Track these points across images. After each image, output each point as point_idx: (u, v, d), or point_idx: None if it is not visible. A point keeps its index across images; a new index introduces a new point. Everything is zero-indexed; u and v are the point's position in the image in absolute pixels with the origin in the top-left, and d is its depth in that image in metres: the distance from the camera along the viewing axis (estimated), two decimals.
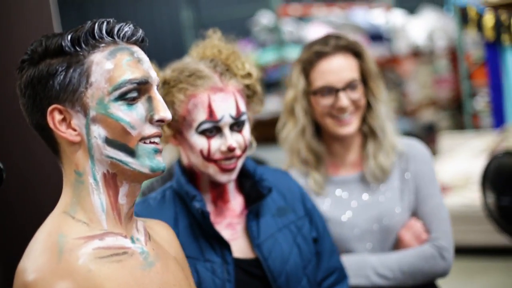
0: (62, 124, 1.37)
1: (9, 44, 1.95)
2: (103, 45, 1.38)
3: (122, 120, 1.36)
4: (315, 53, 2.22)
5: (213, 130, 1.80)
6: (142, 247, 1.44)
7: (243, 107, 1.84)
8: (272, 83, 7.53)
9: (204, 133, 1.80)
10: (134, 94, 1.38)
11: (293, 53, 7.34)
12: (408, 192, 2.25)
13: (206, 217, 1.80)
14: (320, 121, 2.26)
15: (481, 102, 7.37)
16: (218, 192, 1.90)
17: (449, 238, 2.19)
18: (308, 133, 2.28)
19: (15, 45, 1.96)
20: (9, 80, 1.91)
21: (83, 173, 1.39)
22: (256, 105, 1.95)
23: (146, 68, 1.41)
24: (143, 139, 1.39)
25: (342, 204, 2.26)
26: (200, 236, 1.83)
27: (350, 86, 2.20)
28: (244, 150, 1.85)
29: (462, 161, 6.12)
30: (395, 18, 9.42)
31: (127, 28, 1.41)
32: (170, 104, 1.79)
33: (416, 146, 2.31)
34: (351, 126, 2.22)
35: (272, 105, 7.23)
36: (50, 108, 1.36)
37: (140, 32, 1.43)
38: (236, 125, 1.83)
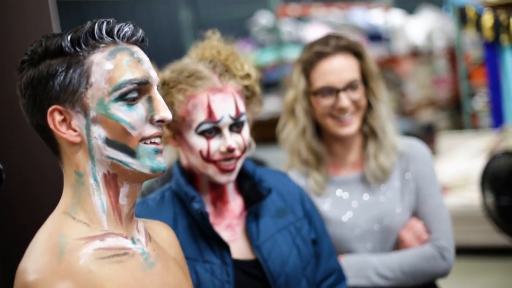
0: (62, 125, 1.37)
1: (8, 45, 1.95)
2: (103, 45, 1.38)
3: (122, 120, 1.36)
4: (316, 54, 2.22)
5: (213, 130, 1.80)
6: (143, 247, 1.44)
7: (242, 108, 1.84)
8: (271, 84, 7.53)
9: (203, 133, 1.80)
10: (134, 95, 1.37)
11: (292, 54, 7.34)
12: (408, 192, 2.25)
13: (205, 218, 1.80)
14: (320, 121, 2.26)
15: (480, 102, 7.37)
16: (218, 193, 1.90)
17: (450, 238, 2.19)
18: (309, 134, 2.27)
19: (14, 46, 1.95)
20: (8, 80, 1.91)
21: (84, 174, 1.39)
22: (255, 106, 1.95)
23: (146, 68, 1.41)
24: (143, 139, 1.38)
25: (343, 204, 2.26)
26: (199, 237, 1.83)
27: (350, 86, 2.20)
28: (244, 150, 1.85)
29: (461, 161, 6.13)
30: (394, 18, 9.43)
31: (127, 28, 1.40)
32: (169, 105, 1.79)
33: (417, 146, 2.31)
34: (351, 126, 2.21)
35: (271, 105, 7.23)
36: (50, 109, 1.36)
37: (140, 32, 1.43)
38: (236, 126, 1.83)
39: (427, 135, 8.47)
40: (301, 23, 8.30)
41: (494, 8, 5.50)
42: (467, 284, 4.90)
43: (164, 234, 1.61)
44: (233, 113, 1.81)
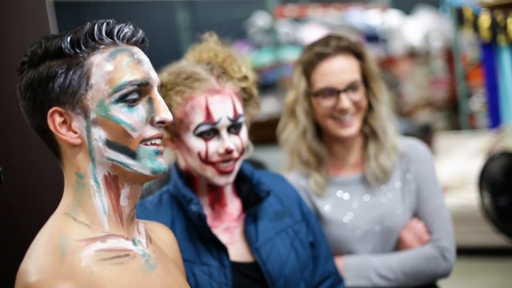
0: (63, 127, 1.37)
1: (6, 46, 1.95)
2: (103, 46, 1.37)
3: (122, 122, 1.36)
4: (316, 54, 2.22)
5: (211, 132, 1.80)
6: (144, 249, 1.44)
7: (240, 110, 1.84)
8: (268, 85, 7.53)
9: (201, 135, 1.80)
10: (135, 96, 1.37)
11: (289, 55, 7.34)
12: (409, 193, 2.25)
13: (203, 220, 1.80)
14: (321, 122, 2.25)
15: (477, 103, 7.39)
16: (216, 195, 1.90)
17: (451, 239, 2.19)
18: (309, 135, 2.27)
19: (12, 47, 1.95)
20: (7, 82, 1.90)
21: (84, 175, 1.39)
22: (253, 108, 1.95)
23: (146, 69, 1.40)
24: (144, 141, 1.38)
25: (343, 205, 2.26)
26: (197, 240, 1.83)
27: (351, 87, 2.19)
28: (242, 152, 1.85)
29: (458, 162, 6.13)
30: (391, 19, 9.44)
31: (127, 29, 1.40)
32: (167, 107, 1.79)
33: (417, 147, 2.31)
34: (352, 127, 2.21)
35: (268, 106, 7.24)
36: (50, 111, 1.36)
37: (140, 33, 1.43)
38: (234, 127, 1.83)
39: (425, 135, 8.47)
40: (298, 24, 8.30)
41: (491, 8, 5.51)
42: (465, 285, 4.90)
43: (164, 236, 1.61)
44: (231, 115, 1.81)
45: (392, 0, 9.42)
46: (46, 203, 1.80)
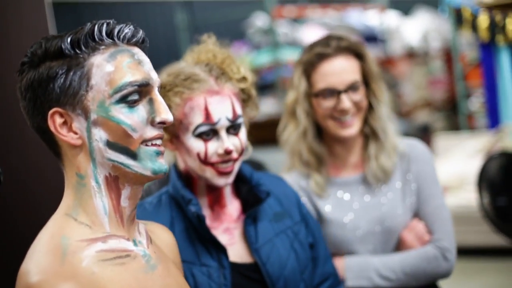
0: (63, 128, 1.37)
1: (5, 47, 1.95)
2: (103, 47, 1.37)
3: (123, 123, 1.35)
4: (317, 55, 2.21)
5: (210, 133, 1.80)
6: (144, 249, 1.44)
7: (239, 110, 1.84)
8: (267, 85, 7.53)
9: (201, 136, 1.80)
10: (136, 97, 1.37)
11: (288, 55, 7.34)
12: (410, 193, 2.25)
13: (202, 221, 1.80)
14: (321, 123, 2.25)
15: (476, 103, 7.39)
16: (215, 196, 1.90)
17: (451, 239, 2.19)
18: (310, 135, 2.27)
19: (11, 48, 1.95)
20: (6, 82, 1.90)
21: (85, 176, 1.38)
22: (251, 109, 1.95)
23: (146, 69, 1.40)
24: (144, 141, 1.38)
25: (344, 205, 2.25)
26: (196, 240, 1.83)
27: (352, 88, 2.19)
28: (241, 153, 1.85)
29: (457, 162, 6.13)
30: (390, 19, 9.44)
31: (127, 30, 1.40)
32: None
33: (418, 147, 2.31)
34: (353, 128, 2.21)
35: (267, 107, 7.24)
36: (50, 112, 1.36)
37: (140, 33, 1.42)
38: (233, 128, 1.83)
39: (423, 136, 8.47)
40: (297, 25, 8.30)
41: (490, 8, 5.51)
42: (464, 285, 4.90)
43: (164, 237, 1.61)
44: (230, 115, 1.81)
45: (390, 0, 9.42)
46: (46, 204, 1.80)
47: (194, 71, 1.84)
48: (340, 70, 2.19)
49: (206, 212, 1.89)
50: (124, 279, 1.33)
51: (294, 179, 2.28)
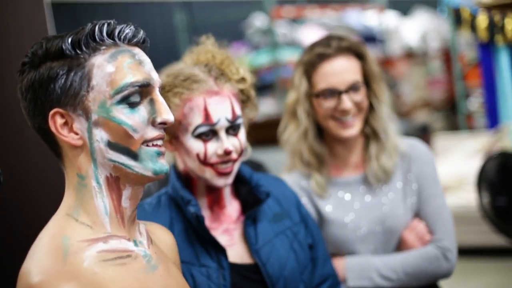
0: (64, 128, 1.37)
1: (4, 47, 1.95)
2: (104, 47, 1.37)
3: (124, 123, 1.35)
4: (317, 55, 2.21)
5: (209, 133, 1.80)
6: (145, 250, 1.44)
7: (238, 111, 1.84)
8: (266, 86, 7.53)
9: (200, 136, 1.80)
10: (137, 99, 1.37)
11: (287, 55, 7.34)
12: (410, 193, 2.25)
13: (201, 222, 1.80)
14: (322, 123, 2.25)
15: (475, 103, 7.40)
16: (214, 197, 1.90)
17: (452, 239, 2.19)
18: (311, 135, 2.26)
19: (10, 48, 1.95)
20: (5, 83, 1.90)
21: (86, 177, 1.38)
22: (250, 110, 1.95)
23: (147, 70, 1.40)
24: (145, 142, 1.38)
25: (345, 206, 2.25)
26: (195, 241, 1.83)
27: (353, 88, 2.19)
28: (240, 153, 1.85)
29: (456, 162, 6.13)
30: (388, 19, 9.44)
31: (128, 30, 1.40)
32: None
33: (419, 147, 2.31)
34: (354, 128, 2.21)
35: (266, 107, 7.24)
36: (51, 112, 1.36)
37: (141, 33, 1.42)
38: (232, 129, 1.83)
39: (422, 136, 8.47)
40: (296, 25, 8.30)
41: (489, 9, 5.51)
42: (463, 285, 4.90)
43: (164, 238, 1.61)
44: (229, 116, 1.81)
45: (389, 0, 9.42)
46: (45, 204, 1.80)
47: (193, 72, 1.84)
48: (341, 71, 2.19)
49: (205, 213, 1.89)
50: (125, 279, 1.33)
51: (294, 179, 2.28)
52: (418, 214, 2.24)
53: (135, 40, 1.41)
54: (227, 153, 1.80)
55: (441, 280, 2.22)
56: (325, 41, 2.24)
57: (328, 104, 2.20)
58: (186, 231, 1.83)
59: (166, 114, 1.39)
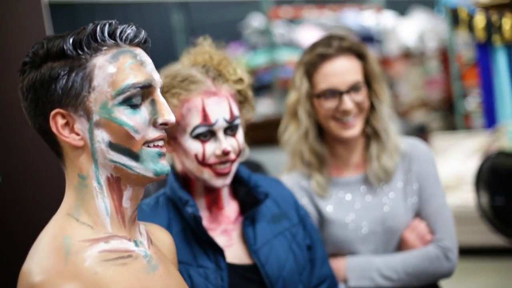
0: (65, 129, 1.36)
1: (2, 47, 1.95)
2: (105, 48, 1.37)
3: (125, 124, 1.35)
4: (318, 56, 2.21)
5: (208, 134, 1.80)
6: (145, 250, 1.44)
7: (236, 111, 1.84)
8: (263, 86, 7.53)
9: (198, 137, 1.80)
10: (138, 100, 1.37)
11: (285, 56, 7.34)
12: (411, 193, 2.25)
13: (198, 222, 1.80)
14: (323, 123, 2.24)
15: (473, 103, 7.41)
16: (213, 198, 1.90)
17: (453, 239, 2.19)
18: (311, 136, 2.26)
19: (9, 48, 1.95)
20: (4, 83, 1.90)
21: (87, 177, 1.38)
22: (248, 111, 1.95)
23: (149, 70, 1.40)
24: (146, 143, 1.38)
25: (346, 206, 2.25)
26: (193, 242, 1.83)
27: (354, 88, 2.19)
28: (238, 154, 1.85)
29: (454, 162, 6.14)
30: (386, 19, 9.44)
31: (130, 30, 1.39)
32: None
33: (419, 146, 2.31)
34: (355, 128, 2.20)
35: (263, 108, 7.24)
36: (52, 113, 1.35)
37: (143, 34, 1.42)
38: (230, 129, 1.83)
39: (420, 136, 8.48)
40: (293, 25, 8.30)
41: (486, 9, 5.51)
42: (461, 285, 4.90)
43: (163, 238, 1.61)
44: (227, 116, 1.81)
45: (386, 0, 9.42)
46: (45, 204, 1.80)
47: (191, 73, 1.84)
48: (342, 71, 2.19)
49: (204, 214, 1.88)
50: (126, 279, 1.33)
51: (295, 179, 2.28)
52: (419, 214, 2.24)
53: (136, 40, 1.41)
54: (226, 153, 1.80)
55: (442, 280, 2.22)
56: (326, 41, 2.24)
57: (329, 104, 2.19)
58: (184, 231, 1.83)
59: (168, 115, 1.39)
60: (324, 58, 2.20)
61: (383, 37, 9.09)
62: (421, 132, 8.73)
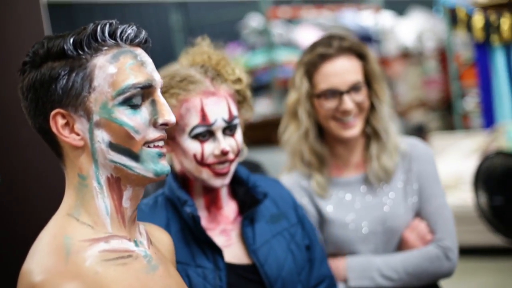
0: (65, 129, 1.36)
1: (1, 48, 1.95)
2: (105, 48, 1.37)
3: (126, 124, 1.35)
4: (319, 56, 2.20)
5: (206, 134, 1.80)
6: (145, 250, 1.44)
7: (235, 111, 1.84)
8: (262, 86, 7.52)
9: (197, 137, 1.80)
10: (138, 100, 1.37)
11: (283, 56, 7.34)
12: (411, 193, 2.25)
13: (197, 222, 1.80)
14: (323, 123, 2.24)
15: (471, 103, 7.41)
16: (211, 198, 1.90)
17: (454, 238, 2.19)
18: (312, 136, 2.26)
19: (8, 48, 1.95)
20: (3, 83, 1.90)
21: (87, 177, 1.38)
22: (246, 111, 1.95)
23: (149, 71, 1.40)
24: (147, 143, 1.38)
25: (346, 205, 2.25)
26: (191, 241, 1.83)
27: (354, 88, 2.19)
28: (237, 154, 1.85)
29: (452, 162, 6.14)
30: (384, 19, 9.44)
31: (130, 30, 1.39)
32: None
33: (419, 146, 2.31)
34: (355, 128, 2.20)
35: (262, 107, 7.24)
36: (53, 113, 1.35)
37: (143, 34, 1.42)
38: (229, 129, 1.83)
39: (418, 136, 8.48)
40: (292, 25, 8.29)
41: (485, 8, 5.53)
42: (460, 285, 4.90)
43: (162, 238, 1.61)
44: (226, 116, 1.81)
45: (385, 0, 9.43)
46: (45, 204, 1.80)
47: (189, 73, 1.84)
48: (342, 71, 2.18)
49: (202, 214, 1.89)
50: (126, 279, 1.33)
51: (295, 179, 2.28)
52: (419, 214, 2.24)
53: (137, 40, 1.41)
54: (224, 153, 1.80)
55: (442, 279, 2.23)
56: (327, 41, 2.24)
57: (329, 104, 2.19)
58: (182, 231, 1.83)
59: (168, 115, 1.39)
60: (324, 58, 2.20)
61: (382, 37, 9.09)
62: (420, 132, 8.74)
